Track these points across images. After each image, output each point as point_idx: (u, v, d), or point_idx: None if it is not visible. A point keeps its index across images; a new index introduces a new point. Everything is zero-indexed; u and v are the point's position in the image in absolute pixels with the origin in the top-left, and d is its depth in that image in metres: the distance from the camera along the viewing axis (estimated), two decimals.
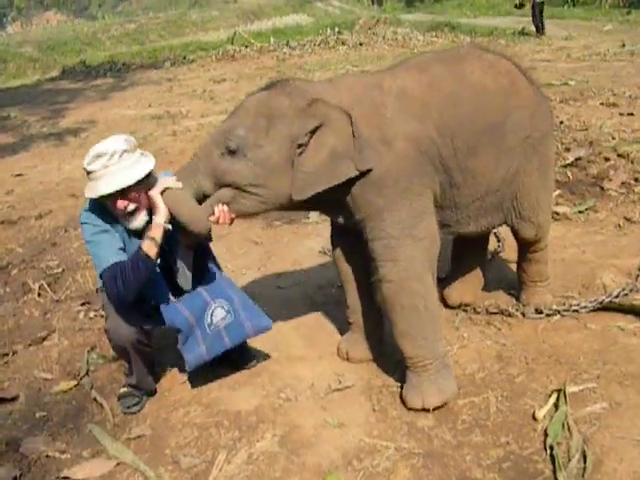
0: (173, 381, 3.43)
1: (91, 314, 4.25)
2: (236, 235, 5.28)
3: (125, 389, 3.29)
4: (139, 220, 3.02)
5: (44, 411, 3.33)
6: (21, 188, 7.14)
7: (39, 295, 4.61)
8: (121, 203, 2.93)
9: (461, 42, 16.16)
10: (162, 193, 2.86)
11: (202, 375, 3.43)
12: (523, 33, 16.63)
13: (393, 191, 2.87)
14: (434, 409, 3.02)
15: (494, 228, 3.58)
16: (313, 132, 2.80)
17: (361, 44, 16.71)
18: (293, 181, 2.84)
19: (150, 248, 2.89)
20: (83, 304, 4.40)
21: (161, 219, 2.89)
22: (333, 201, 2.96)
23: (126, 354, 3.18)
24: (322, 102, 2.81)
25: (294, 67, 14.19)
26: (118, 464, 2.90)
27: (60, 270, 4.96)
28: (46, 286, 4.70)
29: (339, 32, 18.05)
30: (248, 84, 12.31)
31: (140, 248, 2.90)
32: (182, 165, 2.97)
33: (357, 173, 2.83)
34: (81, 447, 3.04)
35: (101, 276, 2.95)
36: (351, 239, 3.17)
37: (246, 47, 17.43)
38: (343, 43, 16.89)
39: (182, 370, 3.48)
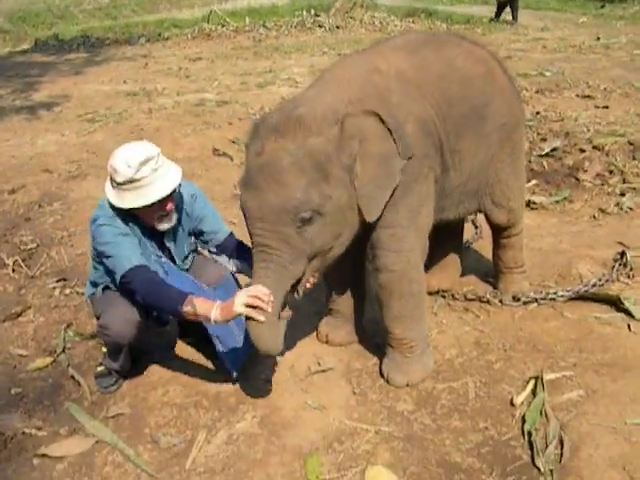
0: (151, 360, 3.40)
1: (67, 291, 4.19)
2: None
3: (102, 368, 3.25)
4: (173, 220, 3.02)
5: (19, 387, 3.28)
6: None
7: (13, 271, 4.52)
8: (170, 205, 2.93)
9: (438, 29, 16.13)
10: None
11: (181, 355, 3.43)
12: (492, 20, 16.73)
13: (409, 177, 2.82)
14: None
15: (469, 214, 3.60)
16: (355, 150, 2.66)
17: (338, 27, 16.61)
18: (361, 206, 2.71)
19: (191, 313, 2.71)
20: (58, 281, 4.33)
21: (222, 319, 2.70)
22: None
23: (119, 349, 3.12)
24: (349, 117, 2.65)
25: (270, 48, 14.03)
26: (97, 442, 2.89)
27: (34, 246, 4.87)
28: (20, 262, 4.62)
29: (316, 14, 17.90)
30: (224, 63, 12.20)
31: (190, 300, 2.71)
32: (262, 271, 2.65)
33: (405, 162, 2.76)
34: (58, 425, 3.02)
35: (126, 275, 2.83)
36: None
37: (222, 26, 17.21)
38: (320, 26, 16.75)
39: (161, 348, 3.47)
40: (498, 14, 16.79)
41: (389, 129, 2.70)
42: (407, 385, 3.12)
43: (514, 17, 16.44)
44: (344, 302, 3.41)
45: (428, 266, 3.84)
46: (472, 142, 3.13)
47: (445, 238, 3.81)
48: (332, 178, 2.59)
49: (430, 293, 3.84)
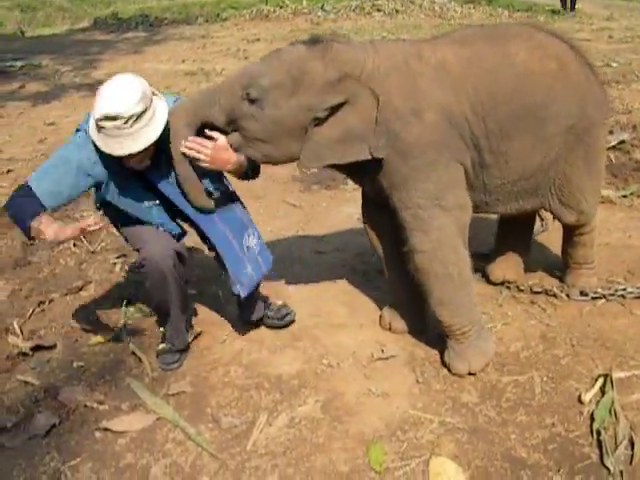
0: (212, 340, 3.39)
1: (127, 267, 4.21)
2: (274, 197, 5.24)
3: (164, 345, 3.26)
4: (146, 163, 2.95)
5: (82, 361, 3.31)
6: (54, 137, 7.06)
7: (74, 245, 4.56)
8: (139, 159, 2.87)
9: (499, 16, 15.88)
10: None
11: (241, 336, 3.42)
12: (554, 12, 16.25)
13: (420, 162, 2.83)
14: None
15: (529, 211, 3.47)
16: (335, 108, 2.76)
17: (397, 12, 16.42)
18: (303, 148, 2.83)
19: (38, 230, 2.77)
20: (119, 257, 4.36)
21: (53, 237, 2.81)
22: (355, 167, 2.92)
23: (164, 287, 3.07)
24: (353, 80, 2.74)
25: (329, 32, 13.85)
26: (158, 419, 2.89)
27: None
28: (82, 237, 4.64)
29: None
30: (282, 45, 12.07)
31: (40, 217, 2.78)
32: (204, 88, 3.01)
33: (369, 158, 2.81)
34: (119, 399, 3.02)
35: (19, 187, 2.89)
36: (380, 210, 3.13)
37: (280, 8, 17.20)
38: (378, 10, 16.59)
39: (221, 329, 3.47)
40: (564, 2, 16.02)
41: (377, 119, 2.75)
42: (470, 373, 3.06)
43: (572, 7, 15.77)
44: (405, 290, 3.34)
45: (494, 256, 3.80)
46: (525, 144, 2.99)
47: (512, 229, 3.73)
48: (294, 99, 2.74)
49: (495, 284, 3.77)
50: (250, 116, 2.80)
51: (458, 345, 3.07)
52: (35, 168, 5.98)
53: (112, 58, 11.61)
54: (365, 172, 2.97)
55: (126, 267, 4.22)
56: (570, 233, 3.56)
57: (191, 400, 2.99)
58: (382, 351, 3.25)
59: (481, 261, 3.94)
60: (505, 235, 3.79)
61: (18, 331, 3.56)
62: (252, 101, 2.77)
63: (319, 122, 2.79)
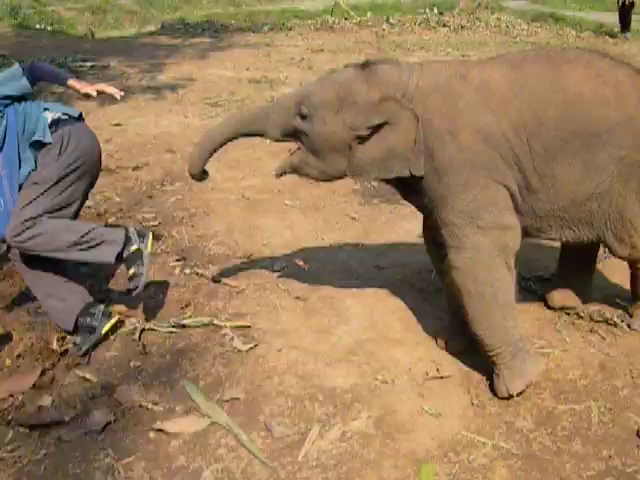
0: (268, 349, 3.41)
1: (186, 270, 4.26)
2: (334, 209, 5.25)
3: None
4: None
5: (138, 361, 3.36)
6: (119, 138, 7.19)
7: None
8: None
9: (566, 35, 15.71)
10: None
11: (298, 346, 3.42)
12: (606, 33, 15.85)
13: (454, 181, 2.89)
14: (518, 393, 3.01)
15: (585, 241, 3.38)
16: (377, 127, 2.90)
17: (462, 27, 16.35)
18: (349, 162, 3.02)
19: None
20: (179, 260, 4.41)
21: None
22: (402, 183, 3.08)
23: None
24: (394, 101, 2.87)
25: (393, 45, 13.94)
26: (211, 424, 2.91)
27: (156, 223, 4.98)
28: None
29: (440, 13, 17.72)
30: (346, 57, 12.14)
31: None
32: (260, 105, 3.23)
33: (408, 175, 2.93)
34: (174, 401, 3.06)
35: None
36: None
37: (345, 19, 17.27)
38: (444, 25, 16.56)
39: (278, 338, 3.49)
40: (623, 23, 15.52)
41: (415, 139, 2.86)
42: (510, 396, 3.01)
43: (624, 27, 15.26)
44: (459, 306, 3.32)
45: (555, 281, 3.75)
46: (573, 169, 2.92)
47: (575, 255, 3.65)
48: (339, 117, 2.93)
49: (553, 309, 3.71)
50: (302, 132, 3.04)
51: (495, 367, 3.05)
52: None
53: (178, 62, 11.74)
54: (410, 188, 3.08)
55: (185, 270, 4.25)
56: (632, 266, 3.48)
57: (245, 407, 3.01)
58: (437, 370, 3.23)
59: (540, 285, 3.91)
60: (568, 260, 3.73)
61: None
62: (304, 117, 3.01)
63: (362, 140, 2.96)
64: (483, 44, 14.14)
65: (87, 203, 5.13)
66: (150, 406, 3.03)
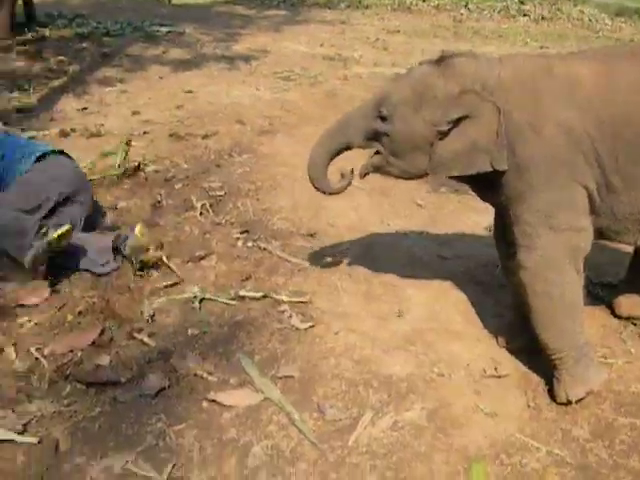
0: (326, 330, 3.38)
1: (249, 243, 4.25)
2: (401, 195, 5.18)
3: None
4: None
5: (196, 329, 3.37)
6: (191, 105, 7.23)
7: (201, 214, 4.65)
8: None
9: None
10: None
11: (356, 330, 3.39)
12: None
13: (535, 178, 2.80)
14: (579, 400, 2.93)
15: None
16: (457, 121, 2.85)
17: (543, 18, 15.95)
18: (430, 160, 2.97)
19: None
20: (242, 232, 4.41)
21: None
22: (478, 179, 2.97)
23: None
24: (475, 94, 2.82)
25: (471, 31, 13.70)
26: (264, 399, 2.90)
27: (222, 193, 4.99)
28: (208, 206, 4.74)
29: (521, 2, 17.33)
30: (422, 40, 12.04)
31: None
32: (344, 114, 3.27)
33: (490, 169, 2.84)
34: (228, 373, 3.06)
35: None
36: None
37: (423, 1, 17.06)
38: (525, 14, 16.22)
39: (337, 320, 3.47)
40: None
41: (498, 131, 2.78)
42: (569, 402, 2.93)
43: None
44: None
45: (623, 288, 3.63)
46: None
47: None
48: (420, 113, 2.90)
49: (620, 318, 3.60)
50: (384, 133, 3.03)
51: (557, 371, 2.96)
52: (170, 132, 6.25)
53: (252, 33, 11.76)
54: (486, 185, 2.99)
55: (248, 243, 4.25)
56: None
57: (299, 385, 3.00)
58: (495, 369, 3.16)
59: (607, 291, 3.80)
60: (638, 267, 3.61)
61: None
62: (384, 118, 3.00)
63: (443, 136, 2.90)
64: (563, 37, 13.78)
65: (154, 167, 5.25)
66: (205, 375, 3.04)
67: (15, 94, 7.38)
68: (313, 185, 3.37)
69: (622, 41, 13.85)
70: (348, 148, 3.22)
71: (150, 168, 5.42)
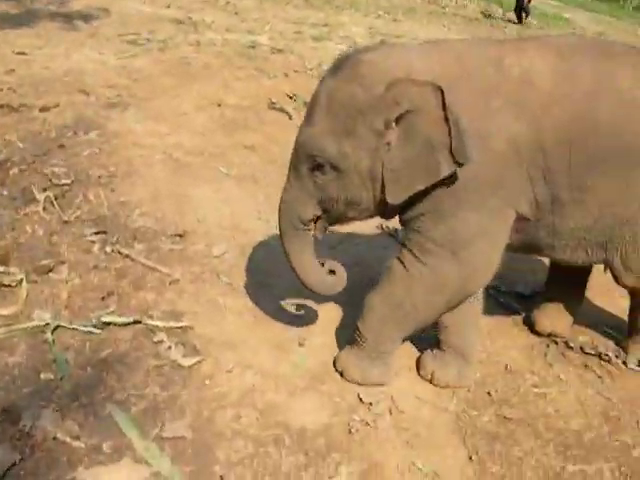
0: (216, 367, 2.76)
1: (107, 248, 3.51)
2: (274, 181, 4.47)
3: None
4: None
5: (50, 372, 2.63)
6: (23, 70, 6.21)
7: (44, 209, 3.83)
8: None
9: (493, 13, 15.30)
10: None
11: (252, 365, 2.80)
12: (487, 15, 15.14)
13: (469, 196, 2.41)
14: None
15: (590, 264, 2.95)
16: (398, 122, 2.36)
17: None
18: (386, 186, 2.43)
19: None
20: (97, 233, 3.65)
21: None
22: None
23: None
24: (404, 82, 2.34)
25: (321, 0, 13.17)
26: (153, 474, 2.25)
27: (69, 181, 4.16)
28: (53, 199, 3.92)
29: None
30: (273, 6, 11.31)
31: None
32: (281, 200, 2.72)
33: (455, 168, 2.33)
34: (100, 435, 2.38)
35: None
36: None
37: None
38: None
39: (226, 352, 2.87)
40: (519, 16, 14.36)
41: (447, 117, 2.29)
42: (358, 384, 2.75)
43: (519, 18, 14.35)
44: (459, 330, 2.82)
45: (541, 302, 3.29)
46: (611, 186, 2.50)
47: (568, 274, 3.18)
48: (356, 136, 2.39)
49: (541, 335, 3.25)
50: (327, 184, 2.52)
51: (355, 350, 2.78)
52: (1, 103, 5.29)
53: None
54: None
55: (106, 248, 3.51)
56: (633, 297, 3.04)
57: (193, 450, 2.36)
58: (423, 409, 2.69)
59: (520, 303, 3.45)
60: (557, 280, 3.28)
61: None
62: (320, 168, 2.50)
63: (389, 148, 2.39)
64: (412, 10, 13.61)
65: None
66: (68, 440, 2.33)
67: None
68: (311, 290, 2.80)
69: (468, 18, 13.84)
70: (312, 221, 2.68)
71: None
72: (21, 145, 4.64)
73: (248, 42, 8.12)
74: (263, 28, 9.16)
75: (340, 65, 2.47)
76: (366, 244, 3.93)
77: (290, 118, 5.84)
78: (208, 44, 7.83)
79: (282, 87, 6.61)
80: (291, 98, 6.35)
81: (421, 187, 2.39)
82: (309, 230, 2.69)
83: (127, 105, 5.66)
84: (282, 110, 6.00)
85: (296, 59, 7.68)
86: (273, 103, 6.11)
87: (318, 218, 2.67)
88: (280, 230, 2.73)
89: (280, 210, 2.71)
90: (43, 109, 5.32)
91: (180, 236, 3.76)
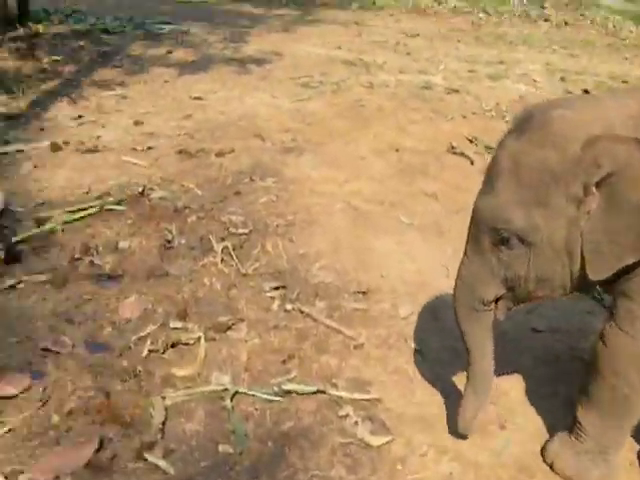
0: (408, 448, 2.46)
1: (287, 305, 3.33)
2: (460, 232, 4.26)
3: None
4: None
5: (229, 445, 2.44)
6: (200, 114, 6.28)
7: (222, 260, 3.71)
8: None
9: None
10: None
11: (448, 450, 2.48)
12: None
13: None
14: None
15: None
16: (599, 185, 2.05)
17: (566, 24, 15.02)
18: (586, 257, 2.11)
19: None
20: (277, 288, 3.48)
21: None
22: None
23: None
24: (604, 139, 2.02)
25: (492, 36, 12.73)
26: None
27: (247, 231, 4.04)
28: (230, 249, 3.80)
29: (541, 6, 16.43)
30: (444, 45, 11.10)
31: None
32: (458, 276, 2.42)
33: None
34: None
35: None
36: None
37: (439, 4, 16.12)
38: (546, 20, 15.31)
39: (418, 427, 2.53)
40: None
41: None
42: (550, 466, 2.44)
43: None
44: None
45: None
46: None
47: None
48: (548, 205, 2.10)
49: None
50: (514, 261, 2.22)
51: (566, 439, 2.45)
52: (178, 147, 5.32)
53: (262, 34, 10.81)
54: None
55: (286, 306, 3.32)
56: None
57: None
58: None
59: None
60: None
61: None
62: (505, 242, 2.19)
63: (589, 217, 2.09)
64: (589, 43, 12.94)
65: (161, 193, 4.37)
66: None
67: (2, 97, 6.43)
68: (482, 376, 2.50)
69: None
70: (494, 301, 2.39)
71: (156, 194, 4.48)
72: (199, 192, 4.60)
73: (422, 82, 7.88)
74: (436, 68, 8.88)
75: (525, 125, 2.19)
76: (566, 308, 3.49)
77: (472, 163, 5.50)
78: (381, 85, 7.66)
79: (460, 130, 6.28)
80: (472, 142, 6.00)
81: (631, 262, 2.08)
82: (490, 311, 2.39)
83: (302, 150, 5.54)
84: (463, 155, 5.67)
85: (472, 100, 7.34)
86: (453, 147, 5.79)
87: (500, 297, 2.37)
88: (456, 310, 2.45)
89: (457, 287, 2.43)
90: (219, 154, 5.31)
91: (363, 293, 3.53)
